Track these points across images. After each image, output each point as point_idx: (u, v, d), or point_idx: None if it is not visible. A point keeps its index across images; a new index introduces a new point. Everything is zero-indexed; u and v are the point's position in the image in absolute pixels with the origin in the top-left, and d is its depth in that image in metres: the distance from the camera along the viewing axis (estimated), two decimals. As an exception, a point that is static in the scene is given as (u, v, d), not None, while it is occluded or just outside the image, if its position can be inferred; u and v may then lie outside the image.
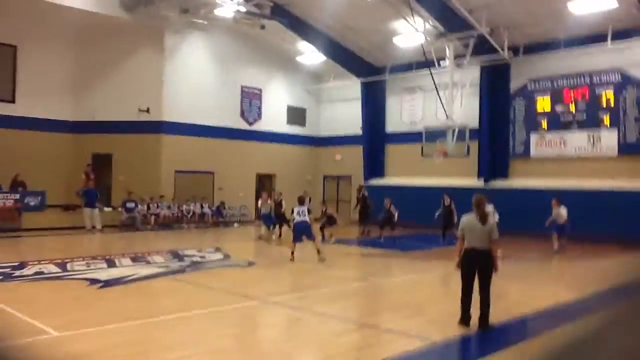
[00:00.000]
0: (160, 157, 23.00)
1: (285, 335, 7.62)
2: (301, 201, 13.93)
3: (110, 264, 12.42)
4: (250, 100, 26.33)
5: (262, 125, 26.72)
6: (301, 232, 13.31)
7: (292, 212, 13.74)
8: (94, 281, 10.29)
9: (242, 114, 26.03)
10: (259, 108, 26.69)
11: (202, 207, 23.41)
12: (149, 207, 21.87)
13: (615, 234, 18.02)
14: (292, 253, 13.32)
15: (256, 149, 26.24)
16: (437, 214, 18.31)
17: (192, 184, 23.68)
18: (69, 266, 11.92)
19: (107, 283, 10.16)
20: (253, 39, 25.24)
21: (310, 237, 13.46)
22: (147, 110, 22.83)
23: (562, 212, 16.16)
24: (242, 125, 25.97)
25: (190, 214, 23.00)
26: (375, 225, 19.38)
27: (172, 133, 23.17)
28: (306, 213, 13.46)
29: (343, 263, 14.29)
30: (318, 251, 13.30)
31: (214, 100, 24.64)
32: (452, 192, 18.61)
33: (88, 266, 12.01)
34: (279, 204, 18.74)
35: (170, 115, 23.12)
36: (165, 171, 23.08)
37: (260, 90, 26.65)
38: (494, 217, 15.22)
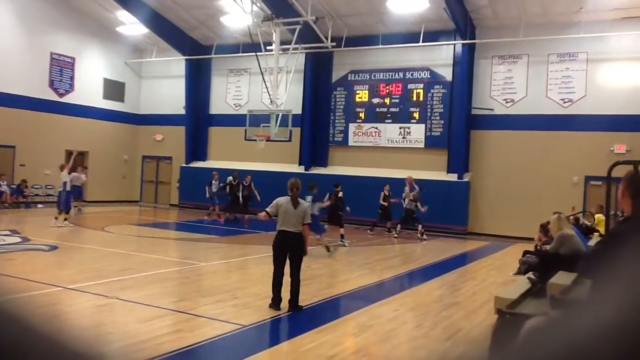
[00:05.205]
0: (-53, 126, 20.10)
1: (90, 323, 7.06)
2: None
3: None
4: (61, 69, 24.04)
5: (74, 98, 24.54)
6: None
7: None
8: None
9: (51, 84, 23.68)
10: (72, 79, 24.49)
11: (-1, 185, 20.93)
12: None
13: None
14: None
15: (67, 124, 24.04)
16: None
17: (-12, 159, 21.07)
18: None
19: None
20: (65, 2, 23.05)
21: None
22: None
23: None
24: (51, 96, 23.63)
25: (-16, 192, 20.46)
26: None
27: (-37, 100, 20.36)
28: None
29: (159, 248, 13.75)
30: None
31: (16, 66, 22.02)
32: (274, 177, 18.70)
33: None
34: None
35: (-38, 79, 20.28)
36: (-46, 143, 20.24)
37: (73, 59, 24.44)
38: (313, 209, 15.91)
